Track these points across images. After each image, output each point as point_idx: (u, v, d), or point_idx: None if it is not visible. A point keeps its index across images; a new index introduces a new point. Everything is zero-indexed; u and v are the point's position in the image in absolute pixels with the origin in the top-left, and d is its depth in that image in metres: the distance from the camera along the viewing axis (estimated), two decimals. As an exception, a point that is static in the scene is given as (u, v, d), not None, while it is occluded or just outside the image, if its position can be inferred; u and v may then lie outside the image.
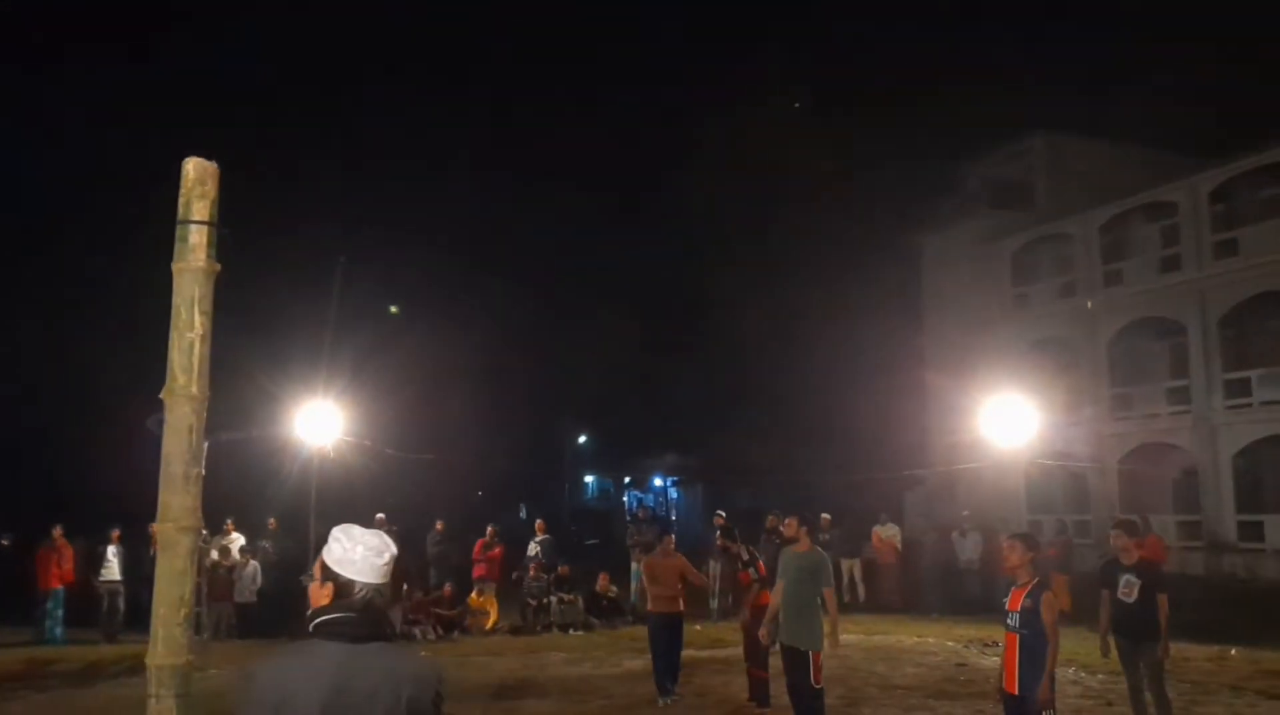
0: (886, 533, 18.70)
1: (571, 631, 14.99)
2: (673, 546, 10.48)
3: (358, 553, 2.53)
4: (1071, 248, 28.08)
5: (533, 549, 16.65)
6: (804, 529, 8.19)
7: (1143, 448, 25.64)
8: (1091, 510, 25.83)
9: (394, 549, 2.61)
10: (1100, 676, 10.56)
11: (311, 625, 2.49)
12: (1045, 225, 28.98)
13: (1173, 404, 25.15)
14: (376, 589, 2.53)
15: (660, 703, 9.66)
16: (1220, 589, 18.16)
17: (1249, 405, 23.31)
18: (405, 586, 15.20)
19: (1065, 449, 25.10)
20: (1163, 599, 7.47)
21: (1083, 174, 28.36)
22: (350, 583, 2.51)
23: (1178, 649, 9.69)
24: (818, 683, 7.62)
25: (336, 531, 2.59)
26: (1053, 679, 5.94)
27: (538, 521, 17.89)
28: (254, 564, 15.70)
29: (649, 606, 10.27)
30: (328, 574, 2.53)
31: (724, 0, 69.51)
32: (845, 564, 18.60)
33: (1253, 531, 22.51)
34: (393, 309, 36.09)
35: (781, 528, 9.03)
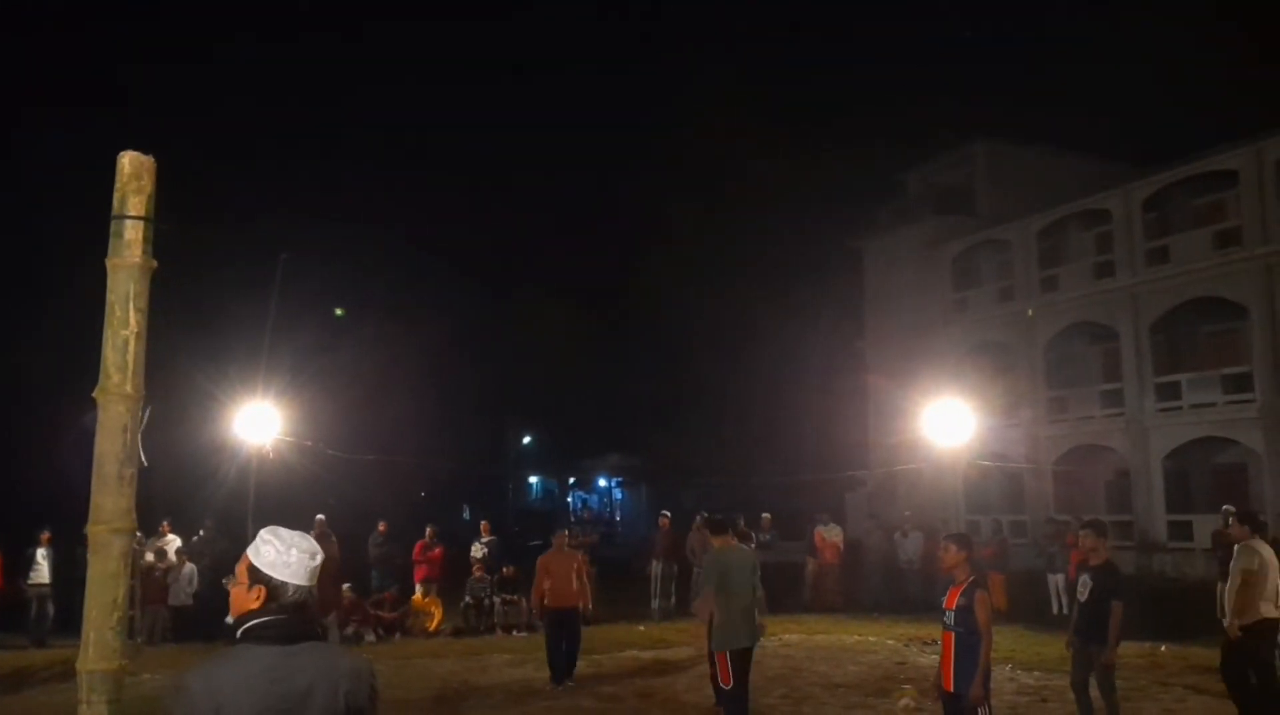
0: (829, 533, 18.85)
1: (515, 633, 14.91)
2: (565, 543, 11.16)
3: (292, 556, 2.51)
4: (1010, 253, 28.61)
5: (478, 550, 16.55)
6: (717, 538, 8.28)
7: (1077, 449, 26.22)
8: (1027, 511, 26.34)
9: (321, 551, 2.60)
10: (1036, 674, 10.77)
11: (240, 630, 2.45)
12: (985, 231, 29.49)
13: (1106, 407, 25.75)
14: (309, 590, 2.51)
15: (555, 688, 10.30)
16: (1151, 587, 18.60)
17: (1179, 408, 23.95)
18: (346, 586, 15.00)
19: (1002, 450, 25.58)
20: (1116, 605, 7.38)
21: (1022, 181, 28.92)
22: (284, 585, 2.48)
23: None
24: (724, 682, 7.68)
25: (265, 534, 2.55)
26: (987, 676, 6.00)
27: (483, 523, 17.77)
28: (190, 566, 15.38)
29: (547, 602, 10.76)
30: (258, 577, 2.49)
31: (671, 4, 69.76)
32: (811, 562, 18.71)
33: (1182, 531, 23.13)
34: (338, 312, 35.68)
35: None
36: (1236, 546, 7.89)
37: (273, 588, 2.48)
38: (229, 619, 2.54)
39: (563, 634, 10.66)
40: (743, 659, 7.67)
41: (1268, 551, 7.71)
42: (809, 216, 52.05)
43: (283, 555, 2.50)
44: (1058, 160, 29.04)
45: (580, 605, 10.84)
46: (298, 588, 2.49)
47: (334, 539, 12.52)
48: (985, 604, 5.98)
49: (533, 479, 60.10)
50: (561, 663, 10.59)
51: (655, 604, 16.42)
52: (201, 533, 16.33)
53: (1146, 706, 9.07)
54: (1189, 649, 11.82)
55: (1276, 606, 7.62)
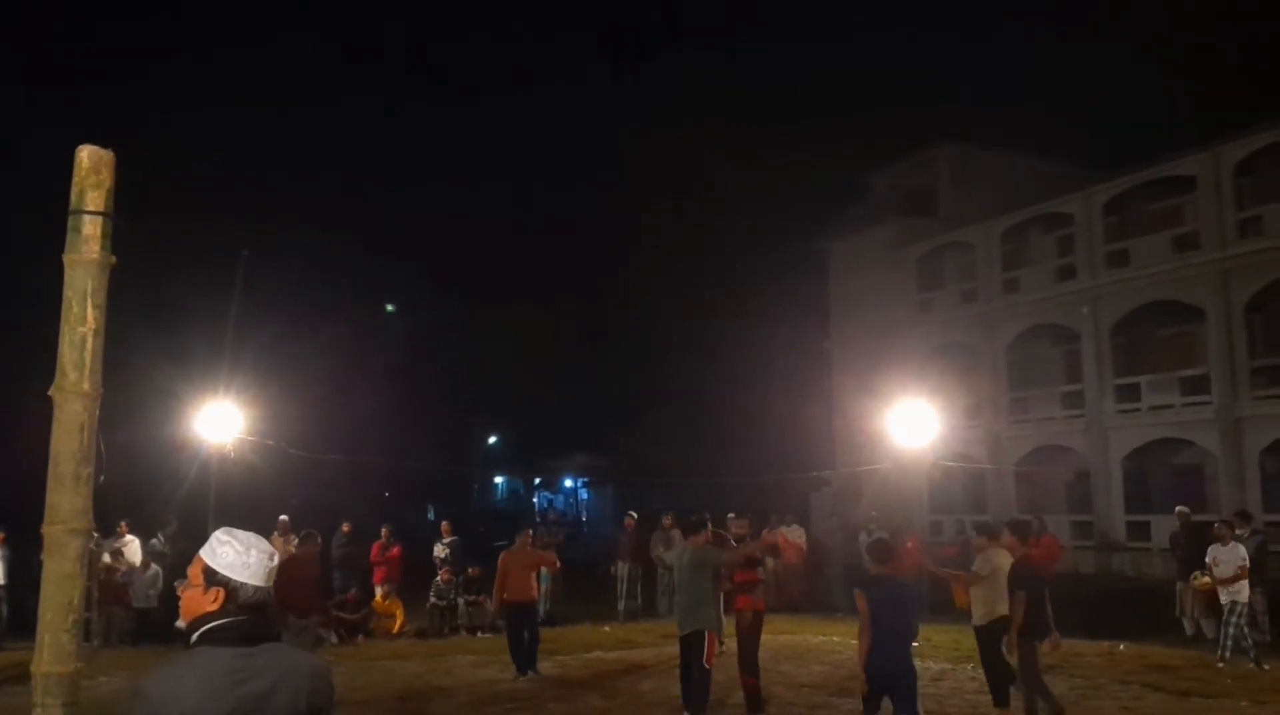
0: (792, 534, 18.93)
1: (479, 634, 14.84)
2: (529, 542, 11.76)
3: (252, 556, 2.48)
4: (974, 255, 28.88)
5: (440, 550, 16.43)
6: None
7: (1038, 450, 26.52)
8: (990, 511, 26.57)
9: (276, 552, 2.58)
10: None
11: (197, 634, 2.41)
12: (949, 233, 29.74)
13: (1067, 408, 26.06)
14: (267, 591, 2.49)
15: (520, 679, 10.79)
16: (1110, 586, 18.86)
17: (1138, 410, 24.30)
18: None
19: (965, 451, 25.79)
20: (1019, 595, 7.83)
21: (986, 184, 29.17)
22: (243, 586, 2.46)
23: (1069, 645, 10.05)
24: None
25: (221, 535, 2.52)
26: (877, 672, 6.39)
27: (443, 523, 17.67)
28: (155, 568, 15.17)
29: (505, 596, 11.26)
30: (216, 579, 2.45)
31: (637, 7, 69.84)
32: (771, 562, 18.75)
33: (1140, 531, 23.45)
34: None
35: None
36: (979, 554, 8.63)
37: (232, 589, 2.45)
38: (180, 623, 2.49)
39: (523, 627, 11.16)
40: (685, 644, 8.56)
41: (1002, 558, 8.29)
42: (775, 219, 52.38)
43: (242, 556, 2.48)
44: (1020, 163, 29.30)
45: (535, 599, 11.60)
46: (257, 589, 2.47)
47: (319, 540, 12.01)
48: (859, 600, 6.55)
49: (498, 479, 59.85)
50: (523, 655, 11.06)
51: (621, 605, 16.40)
52: (169, 530, 16.09)
53: (1105, 704, 9.20)
54: (1147, 647, 12.00)
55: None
